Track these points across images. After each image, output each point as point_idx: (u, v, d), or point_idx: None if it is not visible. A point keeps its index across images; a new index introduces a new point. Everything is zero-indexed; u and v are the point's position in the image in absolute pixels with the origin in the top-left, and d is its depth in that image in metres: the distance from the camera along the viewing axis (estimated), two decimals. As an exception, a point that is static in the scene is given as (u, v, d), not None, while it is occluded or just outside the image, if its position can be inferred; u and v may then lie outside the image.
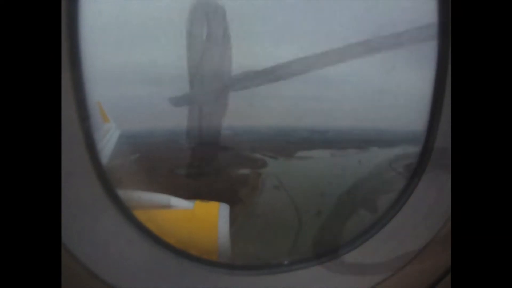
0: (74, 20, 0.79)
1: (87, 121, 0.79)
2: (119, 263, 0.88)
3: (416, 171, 0.98)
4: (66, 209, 0.75)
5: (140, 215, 0.98)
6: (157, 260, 0.93)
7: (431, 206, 0.96)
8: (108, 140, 1.92)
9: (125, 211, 0.90)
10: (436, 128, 0.95)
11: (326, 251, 0.99)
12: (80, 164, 0.80)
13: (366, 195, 1.26)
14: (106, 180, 0.84)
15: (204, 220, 1.79)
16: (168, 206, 1.77)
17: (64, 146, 0.74)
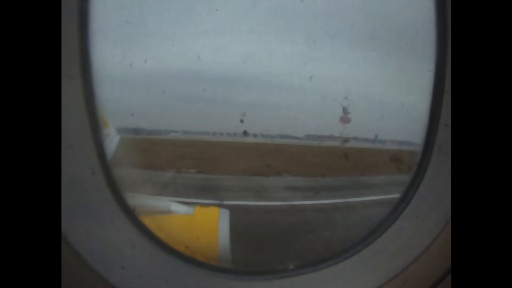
0: (85, 30, 0.81)
1: (99, 132, 0.82)
2: (124, 265, 0.89)
3: (417, 175, 1.01)
4: (77, 214, 0.78)
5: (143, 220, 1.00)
6: (163, 264, 0.95)
7: (431, 209, 0.98)
8: (108, 145, 1.92)
9: (133, 217, 0.92)
10: (435, 133, 0.98)
11: (330, 255, 1.00)
12: (92, 172, 0.82)
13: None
14: (115, 187, 0.87)
15: (204, 225, 1.80)
16: (168, 212, 1.78)
17: (77, 156, 0.76)
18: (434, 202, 0.98)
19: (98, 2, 0.84)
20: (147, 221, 1.00)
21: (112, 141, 1.98)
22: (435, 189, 0.98)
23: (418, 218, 0.99)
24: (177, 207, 1.83)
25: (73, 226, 0.81)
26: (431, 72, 0.99)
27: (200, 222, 1.82)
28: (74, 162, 0.81)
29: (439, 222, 0.95)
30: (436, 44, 0.97)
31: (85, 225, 0.85)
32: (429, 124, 0.98)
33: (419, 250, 0.96)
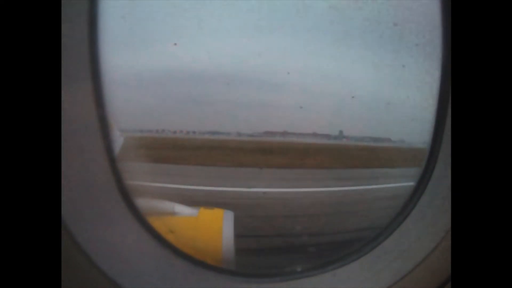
0: (94, 33, 0.82)
1: (108, 137, 0.84)
2: (132, 267, 0.90)
3: (421, 181, 1.01)
4: (82, 214, 0.79)
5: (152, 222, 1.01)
6: (170, 266, 0.95)
7: (434, 216, 0.99)
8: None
9: (141, 218, 0.92)
10: (440, 138, 0.98)
11: (335, 258, 1.01)
12: (103, 176, 0.84)
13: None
14: (125, 189, 0.88)
15: (209, 227, 1.80)
16: (172, 213, 1.78)
17: (88, 159, 0.78)
18: (438, 207, 0.98)
19: (107, 5, 0.84)
20: (153, 222, 1.00)
21: (116, 142, 1.99)
22: (440, 193, 0.98)
23: (423, 222, 1.00)
24: (182, 209, 1.83)
25: (83, 227, 0.82)
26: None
27: (204, 224, 1.82)
28: (84, 165, 0.82)
29: (442, 227, 0.95)
30: (441, 43, 0.98)
31: (94, 226, 0.86)
32: (435, 128, 0.99)
33: (422, 255, 0.96)
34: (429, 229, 0.98)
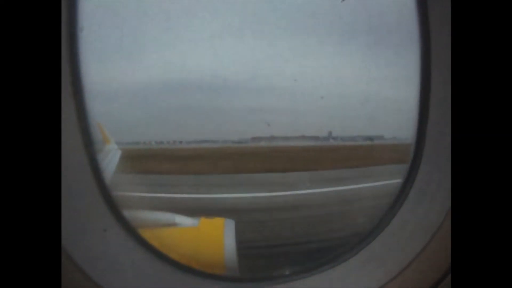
0: (75, 45, 0.84)
1: (91, 147, 0.85)
2: (124, 276, 0.91)
3: (411, 172, 1.00)
4: (75, 229, 0.80)
5: (146, 233, 1.01)
6: (162, 275, 0.96)
7: (428, 205, 0.98)
8: (109, 161, 1.96)
9: (130, 230, 0.93)
10: (424, 135, 0.98)
11: (326, 259, 1.01)
12: (87, 187, 0.85)
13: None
14: (112, 201, 0.89)
15: (210, 236, 1.80)
16: (173, 224, 1.79)
17: (71, 171, 0.79)
18: (429, 203, 0.98)
19: (87, 18, 0.86)
20: (152, 234, 1.01)
21: (114, 155, 2.02)
22: (428, 190, 0.98)
23: (414, 219, 0.99)
24: (182, 220, 1.84)
25: (73, 239, 0.84)
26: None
27: (205, 234, 1.83)
28: (70, 179, 0.84)
29: (434, 223, 0.94)
30: (419, 41, 0.98)
31: (85, 238, 0.87)
32: (419, 124, 0.99)
33: (416, 251, 0.95)
34: (420, 226, 0.97)
